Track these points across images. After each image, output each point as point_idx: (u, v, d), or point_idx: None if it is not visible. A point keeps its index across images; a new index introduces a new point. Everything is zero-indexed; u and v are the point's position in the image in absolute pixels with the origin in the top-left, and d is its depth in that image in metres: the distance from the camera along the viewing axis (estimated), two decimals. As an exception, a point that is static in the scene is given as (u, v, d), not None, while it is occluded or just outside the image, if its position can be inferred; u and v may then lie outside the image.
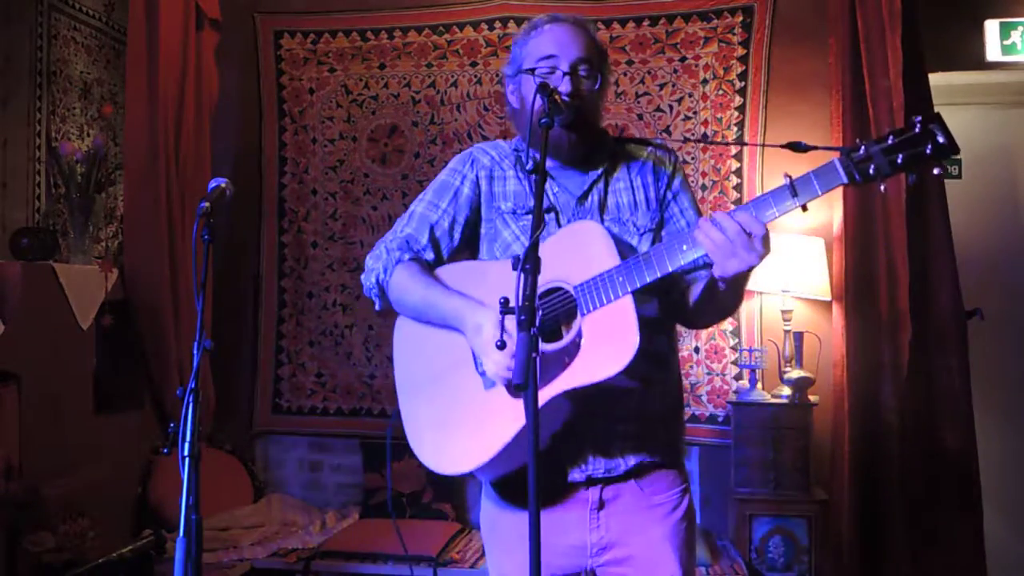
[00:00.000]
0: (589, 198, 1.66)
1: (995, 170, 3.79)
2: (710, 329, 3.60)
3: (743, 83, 3.67)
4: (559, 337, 1.51)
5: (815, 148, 1.41)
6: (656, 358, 1.56)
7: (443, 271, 1.70)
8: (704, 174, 3.70)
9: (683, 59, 3.73)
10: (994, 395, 3.63)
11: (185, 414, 1.45)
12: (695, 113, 3.72)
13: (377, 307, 1.74)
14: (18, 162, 3.16)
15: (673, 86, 3.74)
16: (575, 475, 1.59)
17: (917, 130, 1.28)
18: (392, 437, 1.74)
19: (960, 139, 1.29)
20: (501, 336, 1.43)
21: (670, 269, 1.45)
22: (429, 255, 1.72)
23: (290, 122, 4.07)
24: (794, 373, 3.29)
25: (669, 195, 1.69)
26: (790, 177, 1.37)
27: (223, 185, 1.64)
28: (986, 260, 3.69)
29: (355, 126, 4.01)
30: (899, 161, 1.29)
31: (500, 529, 1.69)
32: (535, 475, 1.21)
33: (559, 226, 1.64)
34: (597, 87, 1.63)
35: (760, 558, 3.18)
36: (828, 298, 3.37)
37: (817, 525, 3.18)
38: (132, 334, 3.36)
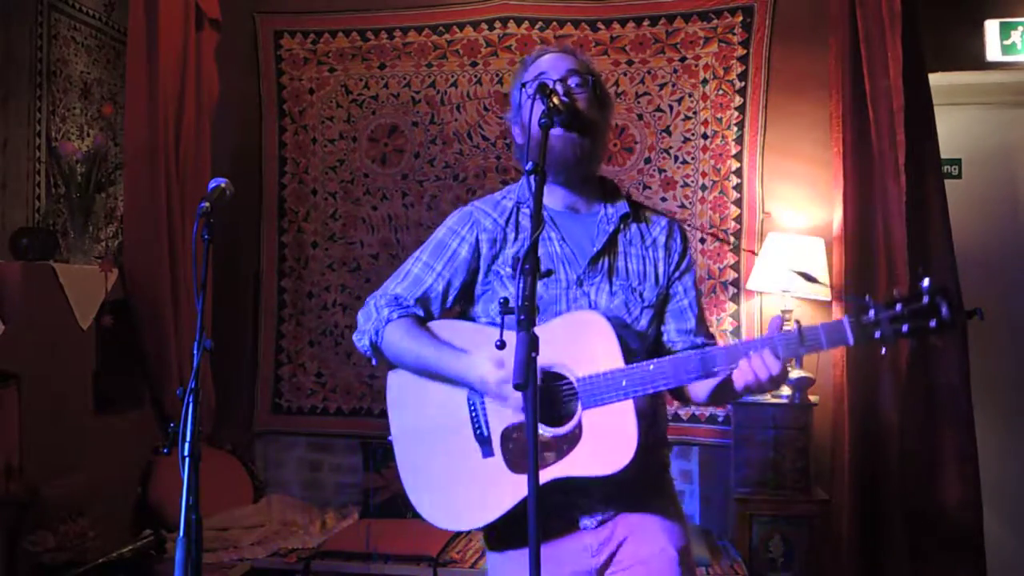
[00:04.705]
0: (601, 260, 1.65)
1: (995, 170, 3.78)
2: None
3: (743, 83, 3.67)
4: (557, 421, 1.54)
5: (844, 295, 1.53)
6: (649, 447, 1.57)
7: (436, 326, 1.70)
8: (704, 174, 3.70)
9: (683, 59, 3.73)
10: (994, 395, 3.64)
11: (185, 414, 1.45)
12: (695, 113, 3.72)
13: (374, 363, 1.76)
14: (18, 162, 3.16)
15: (673, 86, 3.74)
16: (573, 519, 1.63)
17: (924, 302, 1.34)
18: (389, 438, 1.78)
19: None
20: (501, 337, 1.43)
21: (673, 386, 1.51)
22: (419, 312, 1.71)
23: (290, 122, 4.07)
24: (794, 373, 3.28)
25: (676, 273, 1.71)
26: (799, 324, 1.45)
27: (223, 185, 1.64)
28: (986, 260, 3.69)
29: (355, 126, 4.01)
30: (904, 330, 1.36)
31: (506, 571, 1.68)
32: (534, 481, 1.22)
33: (564, 283, 1.63)
34: (590, 93, 1.63)
35: (760, 558, 3.18)
36: (828, 298, 3.37)
37: (817, 525, 3.18)
38: (132, 334, 3.36)
